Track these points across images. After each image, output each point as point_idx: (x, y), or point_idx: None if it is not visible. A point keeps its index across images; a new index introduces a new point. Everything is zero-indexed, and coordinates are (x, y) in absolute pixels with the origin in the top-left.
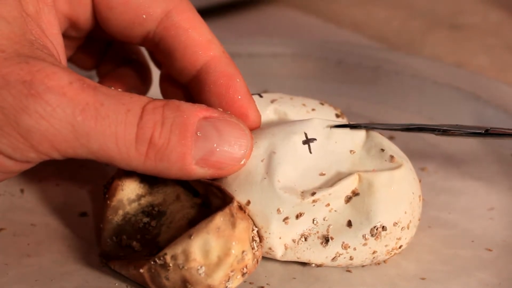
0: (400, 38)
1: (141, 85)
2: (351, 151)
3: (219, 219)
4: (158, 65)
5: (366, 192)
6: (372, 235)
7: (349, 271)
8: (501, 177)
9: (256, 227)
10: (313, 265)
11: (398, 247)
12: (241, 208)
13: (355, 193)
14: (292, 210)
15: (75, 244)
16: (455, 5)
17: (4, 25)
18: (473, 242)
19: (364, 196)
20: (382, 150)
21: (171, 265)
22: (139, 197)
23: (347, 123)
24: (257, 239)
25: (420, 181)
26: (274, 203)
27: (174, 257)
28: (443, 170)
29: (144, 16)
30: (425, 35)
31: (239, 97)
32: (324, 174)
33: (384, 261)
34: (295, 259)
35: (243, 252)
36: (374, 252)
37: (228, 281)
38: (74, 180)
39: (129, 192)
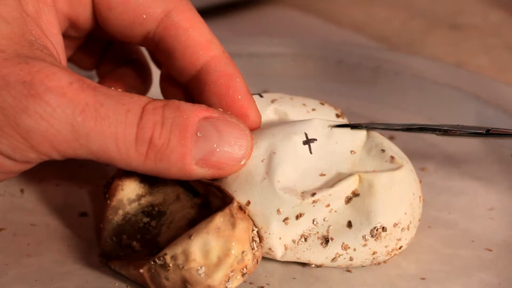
0: (400, 38)
1: (141, 85)
2: (351, 151)
3: (219, 220)
4: (158, 65)
5: (367, 193)
6: (372, 236)
7: (349, 271)
8: (501, 177)
9: (256, 227)
10: (313, 265)
11: (398, 247)
12: (241, 208)
13: (355, 194)
14: (292, 210)
15: (75, 244)
16: (455, 5)
17: (4, 25)
18: (473, 242)
19: (365, 197)
20: (383, 150)
21: (171, 265)
22: (139, 197)
23: (347, 123)
24: (257, 239)
25: (420, 181)
26: (274, 203)
27: (174, 257)
28: (443, 170)
29: (144, 16)
30: (425, 35)
31: (239, 97)
32: (324, 175)
33: (384, 261)
34: (295, 259)
35: (243, 252)
36: (374, 253)
37: (228, 281)
38: (74, 180)
39: (129, 192)
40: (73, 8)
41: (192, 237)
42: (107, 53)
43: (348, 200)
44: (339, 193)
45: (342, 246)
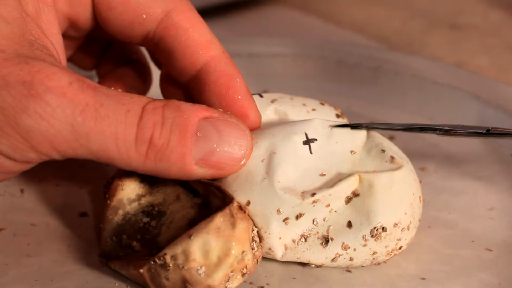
0: (400, 38)
1: (141, 85)
2: (351, 151)
3: (219, 219)
4: (158, 65)
5: (367, 193)
6: (372, 236)
7: (349, 271)
8: (501, 177)
9: (256, 227)
10: (313, 265)
11: (398, 248)
12: (241, 208)
13: (355, 194)
14: (292, 210)
15: (75, 244)
16: (455, 5)
17: (4, 25)
18: (473, 242)
19: (365, 197)
20: (383, 150)
21: (171, 265)
22: (139, 197)
23: (347, 123)
24: (257, 239)
25: (420, 182)
26: (274, 203)
27: (174, 257)
28: (443, 170)
29: (144, 16)
30: (425, 35)
31: (239, 97)
32: (324, 175)
33: (384, 262)
34: (295, 259)
35: (243, 252)
36: (374, 253)
37: (228, 281)
38: (74, 180)
39: (129, 192)
40: (73, 8)
41: (192, 237)
42: (107, 53)
43: (348, 200)
44: (339, 193)
45: (342, 246)
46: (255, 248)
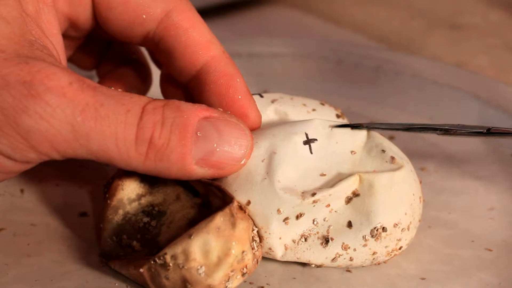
0: (400, 38)
1: (141, 85)
2: (352, 151)
3: (219, 219)
4: (158, 65)
5: (367, 193)
6: (372, 236)
7: (349, 271)
8: (501, 177)
9: (256, 227)
10: (313, 265)
11: (398, 248)
12: (241, 208)
13: (355, 194)
14: (292, 210)
15: (75, 244)
16: (455, 5)
17: (4, 25)
18: (473, 242)
19: (365, 197)
20: (383, 151)
21: (171, 264)
22: (139, 197)
23: (348, 123)
24: (257, 239)
25: (420, 182)
26: (274, 203)
27: (174, 257)
28: (443, 170)
29: (144, 16)
30: (425, 35)
31: (240, 97)
32: (324, 175)
33: (384, 262)
34: (295, 259)
35: (243, 252)
36: (374, 253)
37: (228, 281)
38: (74, 180)
39: (129, 191)
40: (73, 8)
41: (192, 237)
42: (107, 53)
43: (348, 200)
44: (339, 193)
45: (342, 246)
46: (255, 248)
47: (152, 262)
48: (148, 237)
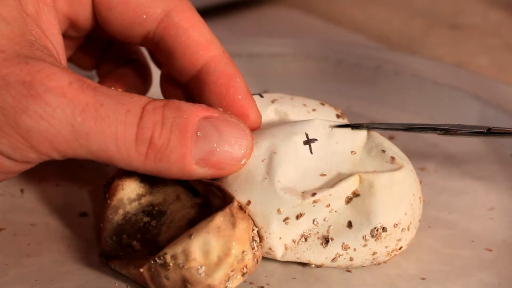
0: (400, 38)
1: (141, 85)
2: (352, 151)
3: (219, 219)
4: (158, 65)
5: (367, 193)
6: (372, 236)
7: (349, 271)
8: (501, 177)
9: (256, 227)
10: (313, 265)
11: (398, 248)
12: (241, 208)
13: (355, 194)
14: (293, 210)
15: (75, 244)
16: (455, 5)
17: (4, 25)
18: (473, 242)
19: (365, 197)
20: (383, 151)
21: (171, 264)
22: (140, 197)
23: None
24: (257, 239)
25: (420, 182)
26: (275, 203)
27: (174, 257)
28: (443, 170)
29: (144, 16)
30: (425, 35)
31: (240, 97)
32: (324, 175)
33: (384, 262)
34: (295, 259)
35: (243, 252)
36: (374, 253)
37: (228, 281)
38: (74, 180)
39: (129, 191)
40: (73, 8)
41: (192, 237)
42: (107, 53)
43: (349, 200)
44: (339, 193)
45: (342, 246)
46: (255, 248)
47: (152, 262)
48: (148, 237)
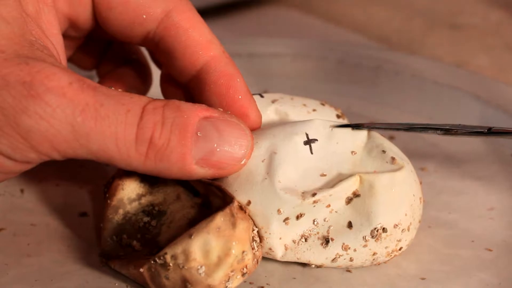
0: (400, 38)
1: (141, 85)
2: (352, 152)
3: (220, 219)
4: (159, 65)
5: (367, 194)
6: (372, 237)
7: (349, 271)
8: (501, 177)
9: (256, 227)
10: (313, 265)
11: (398, 249)
12: (241, 208)
13: (356, 194)
14: (293, 210)
15: (75, 244)
16: (455, 5)
17: (4, 25)
18: (473, 242)
19: (365, 198)
20: (384, 151)
21: (171, 264)
22: (140, 197)
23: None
24: (257, 239)
25: (420, 182)
26: (275, 203)
27: (174, 257)
28: (443, 170)
29: (144, 16)
30: (425, 35)
31: (240, 97)
32: (325, 175)
33: (384, 262)
34: (295, 259)
35: (243, 252)
36: (374, 254)
37: (228, 281)
38: (74, 180)
39: (129, 191)
40: (73, 8)
41: (192, 237)
42: (107, 53)
43: (349, 200)
44: (339, 194)
45: (342, 246)
46: (256, 248)
47: (152, 262)
48: (148, 236)
